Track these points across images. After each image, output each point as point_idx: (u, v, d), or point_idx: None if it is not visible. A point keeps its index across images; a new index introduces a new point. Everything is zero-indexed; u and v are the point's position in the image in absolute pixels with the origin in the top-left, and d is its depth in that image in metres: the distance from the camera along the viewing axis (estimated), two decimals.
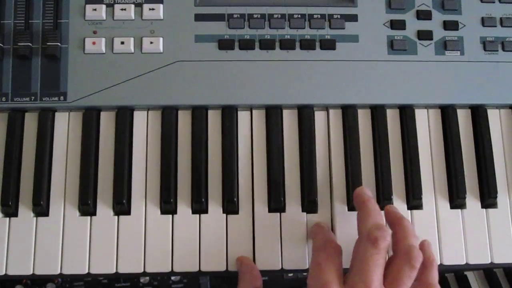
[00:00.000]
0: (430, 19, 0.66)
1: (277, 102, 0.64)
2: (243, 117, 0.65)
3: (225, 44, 0.65)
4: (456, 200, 0.63)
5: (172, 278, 0.78)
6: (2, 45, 0.63)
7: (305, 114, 0.64)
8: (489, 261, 0.62)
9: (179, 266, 0.60)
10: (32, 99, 0.63)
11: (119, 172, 0.62)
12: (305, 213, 0.62)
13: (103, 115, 0.64)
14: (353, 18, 0.66)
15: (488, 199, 0.63)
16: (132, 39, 0.64)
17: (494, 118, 0.66)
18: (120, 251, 0.60)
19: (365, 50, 0.65)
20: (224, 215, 0.62)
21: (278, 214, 0.62)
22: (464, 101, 0.66)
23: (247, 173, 0.63)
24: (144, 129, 0.64)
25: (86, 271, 0.60)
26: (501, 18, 0.67)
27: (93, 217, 0.61)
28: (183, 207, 0.62)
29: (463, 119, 0.66)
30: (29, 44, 0.63)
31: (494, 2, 0.67)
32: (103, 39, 0.64)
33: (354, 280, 0.52)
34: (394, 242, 0.56)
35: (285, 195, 0.62)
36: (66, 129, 0.64)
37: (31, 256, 0.60)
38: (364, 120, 0.65)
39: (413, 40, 0.66)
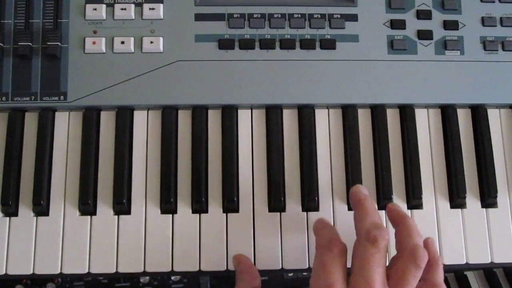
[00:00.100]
0: (430, 19, 0.66)
1: (277, 102, 0.64)
2: (243, 117, 0.65)
3: (225, 44, 0.65)
4: (456, 199, 0.63)
5: (172, 278, 0.78)
6: (2, 44, 0.63)
7: (305, 114, 0.64)
8: (489, 261, 0.62)
9: (179, 266, 0.60)
10: (32, 99, 0.63)
11: (119, 171, 0.62)
12: (305, 213, 0.62)
13: (103, 115, 0.64)
14: (353, 18, 0.66)
15: (488, 198, 0.63)
16: (132, 38, 0.64)
17: (494, 118, 0.66)
18: (120, 251, 0.60)
19: (365, 50, 0.65)
20: (224, 214, 0.62)
21: (278, 213, 0.62)
22: (464, 101, 0.66)
23: (247, 173, 0.63)
24: (144, 129, 0.64)
25: (86, 271, 0.60)
26: (501, 18, 0.67)
27: (93, 217, 0.61)
28: (183, 207, 0.62)
29: (463, 119, 0.66)
30: (29, 43, 0.63)
31: (494, 2, 0.67)
32: (103, 39, 0.64)
33: (357, 280, 0.51)
34: (398, 241, 0.55)
35: (285, 195, 0.62)
36: (66, 129, 0.64)
37: (31, 256, 0.60)
38: (364, 120, 0.65)
39: (413, 40, 0.66)
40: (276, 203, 0.62)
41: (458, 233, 0.62)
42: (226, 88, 0.64)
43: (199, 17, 0.65)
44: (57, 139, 0.63)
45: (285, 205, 0.62)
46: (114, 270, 0.60)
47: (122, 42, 0.64)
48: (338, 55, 0.65)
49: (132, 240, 0.60)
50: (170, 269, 0.60)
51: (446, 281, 0.80)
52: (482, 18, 0.67)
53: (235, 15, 0.65)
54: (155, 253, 0.60)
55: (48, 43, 0.63)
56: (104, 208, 0.61)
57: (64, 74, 0.63)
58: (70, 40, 0.64)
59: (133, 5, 0.65)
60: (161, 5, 0.65)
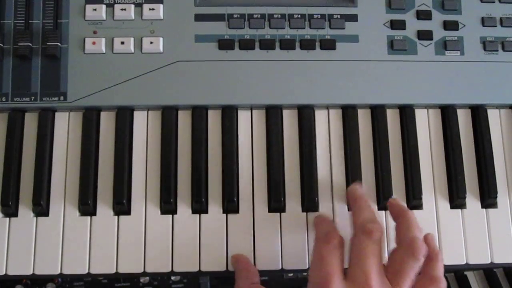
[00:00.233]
0: (430, 19, 0.66)
1: (277, 102, 0.64)
2: (243, 117, 0.65)
3: (225, 44, 0.65)
4: (456, 200, 0.63)
5: (172, 278, 0.78)
6: (2, 45, 0.63)
7: (305, 114, 0.64)
8: (489, 261, 0.62)
9: (179, 266, 0.60)
10: (32, 99, 0.63)
11: (119, 172, 0.62)
12: (305, 213, 0.62)
13: (103, 115, 0.64)
14: (353, 18, 0.66)
15: (488, 199, 0.63)
16: (132, 39, 0.64)
17: (494, 118, 0.66)
18: (120, 251, 0.60)
19: (365, 50, 0.65)
20: (224, 215, 0.62)
21: (278, 214, 0.62)
22: (464, 101, 0.66)
23: (247, 173, 0.63)
24: (144, 129, 0.64)
25: (86, 271, 0.60)
26: (501, 18, 0.67)
27: (93, 217, 0.61)
28: (183, 207, 0.62)
29: (463, 119, 0.66)
30: (29, 44, 0.63)
31: (494, 2, 0.67)
32: (103, 39, 0.64)
33: (354, 271, 0.52)
34: (398, 234, 0.56)
35: (285, 195, 0.62)
36: (66, 129, 0.64)
37: (31, 256, 0.60)
38: (364, 120, 0.65)
39: (413, 40, 0.66)
40: (276, 203, 0.62)
41: (458, 233, 0.62)
42: (226, 88, 0.64)
43: (199, 18, 0.65)
44: (57, 140, 0.63)
45: (285, 206, 0.62)
46: (114, 271, 0.60)
47: (122, 43, 0.64)
48: (338, 56, 0.65)
49: (132, 240, 0.60)
50: (170, 269, 0.60)
51: (446, 281, 0.81)
52: (482, 18, 0.67)
53: (235, 16, 0.65)
54: (155, 254, 0.60)
55: (48, 43, 0.63)
56: (104, 209, 0.61)
57: (64, 74, 0.63)
58: (70, 40, 0.64)
59: (133, 6, 0.65)
60: (161, 5, 0.65)
